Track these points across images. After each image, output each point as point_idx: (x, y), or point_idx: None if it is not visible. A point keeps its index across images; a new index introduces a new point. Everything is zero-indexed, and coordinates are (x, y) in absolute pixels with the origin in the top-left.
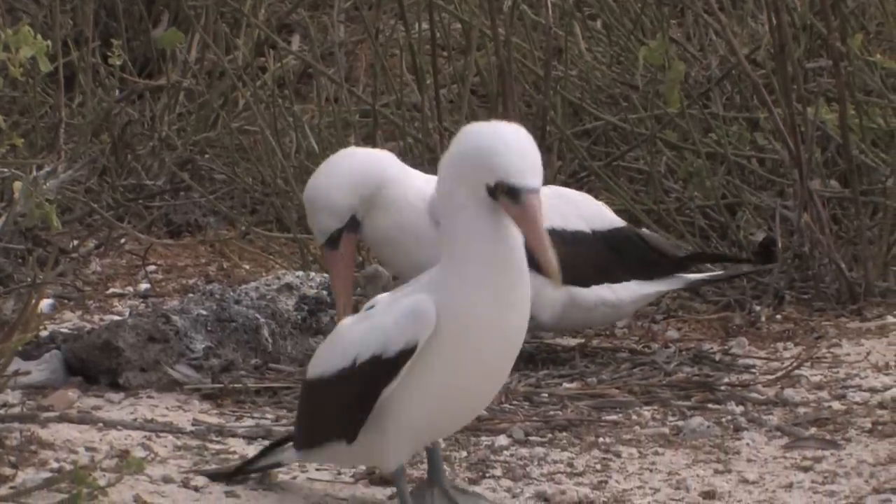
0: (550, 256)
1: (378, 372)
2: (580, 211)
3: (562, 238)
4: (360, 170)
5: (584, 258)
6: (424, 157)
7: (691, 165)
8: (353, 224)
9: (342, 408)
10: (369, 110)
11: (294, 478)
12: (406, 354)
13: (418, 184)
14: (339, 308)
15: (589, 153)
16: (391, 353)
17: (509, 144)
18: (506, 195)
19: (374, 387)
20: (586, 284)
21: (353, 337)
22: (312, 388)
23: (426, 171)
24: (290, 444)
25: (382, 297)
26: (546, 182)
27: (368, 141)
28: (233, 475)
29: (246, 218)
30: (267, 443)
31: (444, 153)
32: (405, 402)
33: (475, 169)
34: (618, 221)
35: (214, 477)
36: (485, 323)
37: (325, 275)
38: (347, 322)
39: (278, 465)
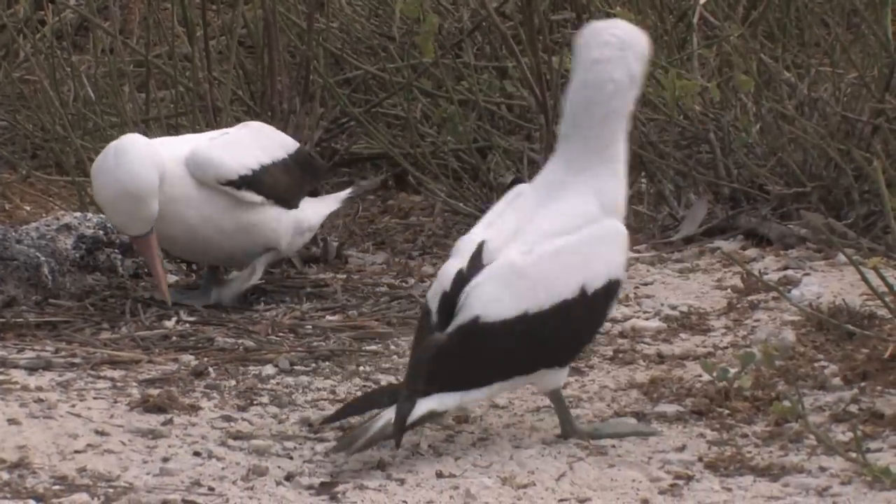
0: None
1: (611, 295)
2: (274, 140)
3: (277, 168)
4: (155, 156)
5: (292, 181)
6: (195, 104)
7: (445, 111)
8: None
9: (568, 335)
10: (143, 61)
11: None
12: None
13: (171, 152)
14: (163, 286)
15: (350, 100)
16: (621, 275)
17: None
18: None
19: (605, 309)
20: (297, 205)
21: (561, 269)
22: (512, 326)
23: (191, 119)
24: (433, 394)
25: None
26: (310, 129)
27: (142, 90)
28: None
29: (27, 162)
30: (52, 374)
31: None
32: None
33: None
34: (294, 142)
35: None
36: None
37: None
38: (524, 261)
39: (433, 416)
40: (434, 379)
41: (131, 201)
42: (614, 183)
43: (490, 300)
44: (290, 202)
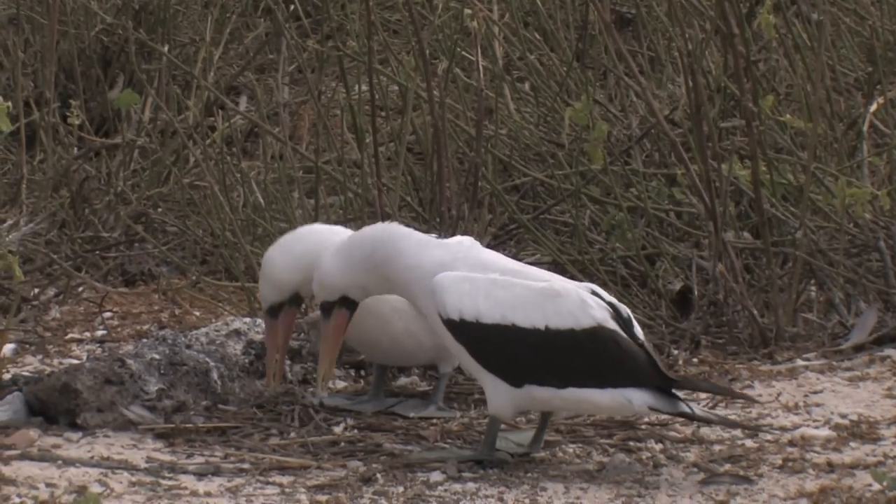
0: None
1: None
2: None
3: None
4: (309, 252)
5: None
6: (364, 210)
7: (613, 218)
8: (296, 300)
9: None
10: (312, 167)
11: None
12: None
13: None
14: (270, 372)
15: (518, 207)
16: None
17: None
18: None
19: None
20: None
21: None
22: None
23: (359, 225)
24: None
25: None
26: (475, 234)
27: (311, 196)
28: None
29: (196, 268)
30: (221, 479)
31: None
32: None
33: None
34: None
35: None
36: None
37: None
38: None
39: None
40: None
41: (262, 270)
42: None
43: None
44: None
